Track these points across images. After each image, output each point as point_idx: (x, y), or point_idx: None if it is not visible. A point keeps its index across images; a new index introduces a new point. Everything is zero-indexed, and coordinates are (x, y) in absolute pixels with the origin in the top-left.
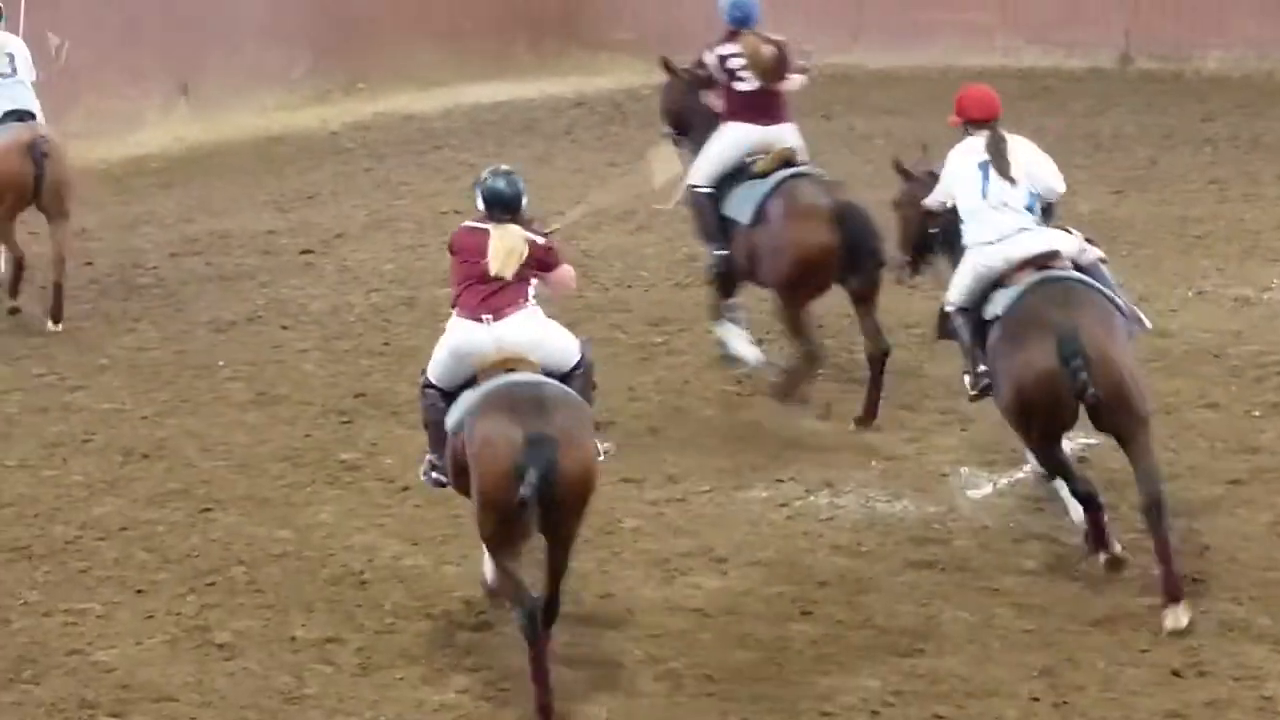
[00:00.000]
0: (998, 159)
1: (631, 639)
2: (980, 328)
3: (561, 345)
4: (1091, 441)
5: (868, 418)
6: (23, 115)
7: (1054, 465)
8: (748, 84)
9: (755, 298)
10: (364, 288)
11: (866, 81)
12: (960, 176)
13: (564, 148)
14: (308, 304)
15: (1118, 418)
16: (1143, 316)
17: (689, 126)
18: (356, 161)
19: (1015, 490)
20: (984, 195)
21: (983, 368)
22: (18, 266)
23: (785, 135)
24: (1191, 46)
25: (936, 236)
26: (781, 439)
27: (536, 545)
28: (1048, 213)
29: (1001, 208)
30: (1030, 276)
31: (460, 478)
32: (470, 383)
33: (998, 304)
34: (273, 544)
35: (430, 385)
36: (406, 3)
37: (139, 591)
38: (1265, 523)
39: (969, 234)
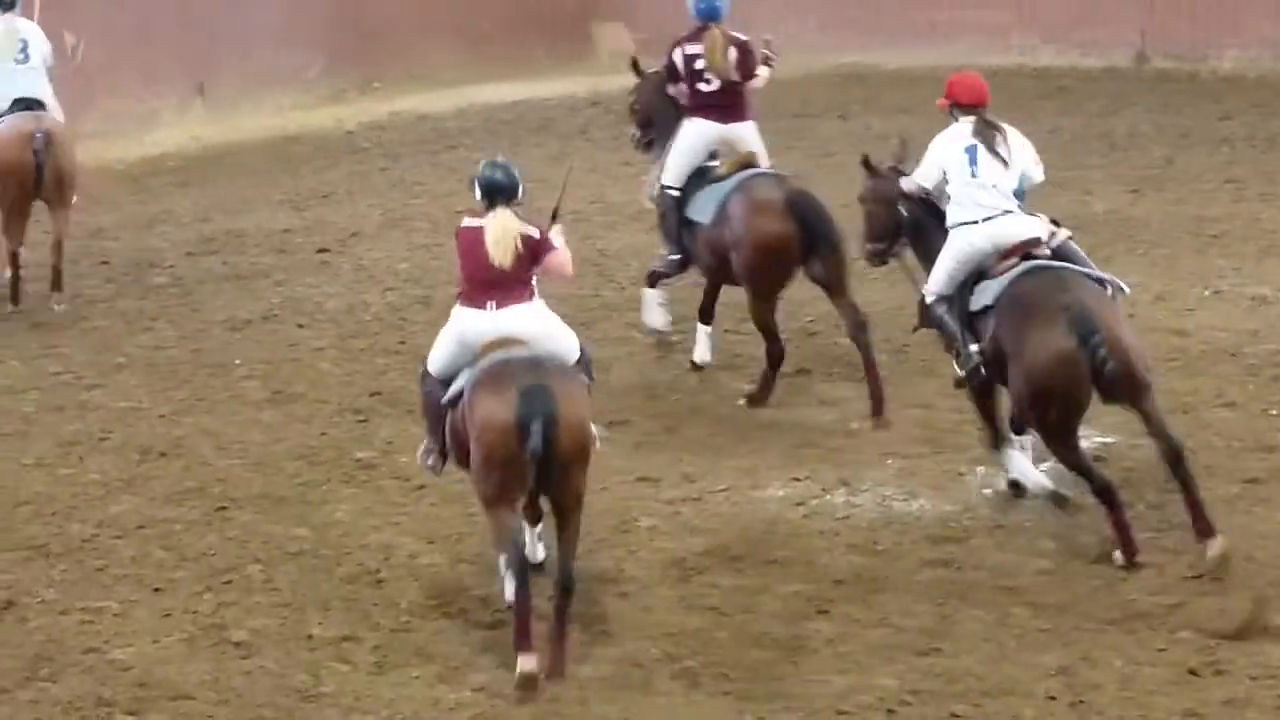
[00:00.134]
0: (989, 141)
1: (648, 638)
2: (967, 318)
3: (563, 339)
4: (1109, 440)
5: (877, 406)
6: (31, 104)
7: (1071, 460)
8: (711, 85)
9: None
10: (379, 286)
11: (883, 81)
12: (947, 160)
13: (579, 147)
14: (323, 303)
15: (1129, 387)
16: (1120, 282)
17: (656, 126)
18: (372, 161)
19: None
20: (973, 176)
21: (974, 347)
22: (14, 263)
23: (745, 133)
24: (1207, 46)
25: (904, 228)
26: (798, 438)
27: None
28: (1019, 197)
29: (989, 189)
30: (1015, 266)
31: (461, 449)
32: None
33: (987, 294)
34: (289, 542)
35: (429, 374)
36: (422, 3)
37: (156, 590)
38: None
39: (953, 215)
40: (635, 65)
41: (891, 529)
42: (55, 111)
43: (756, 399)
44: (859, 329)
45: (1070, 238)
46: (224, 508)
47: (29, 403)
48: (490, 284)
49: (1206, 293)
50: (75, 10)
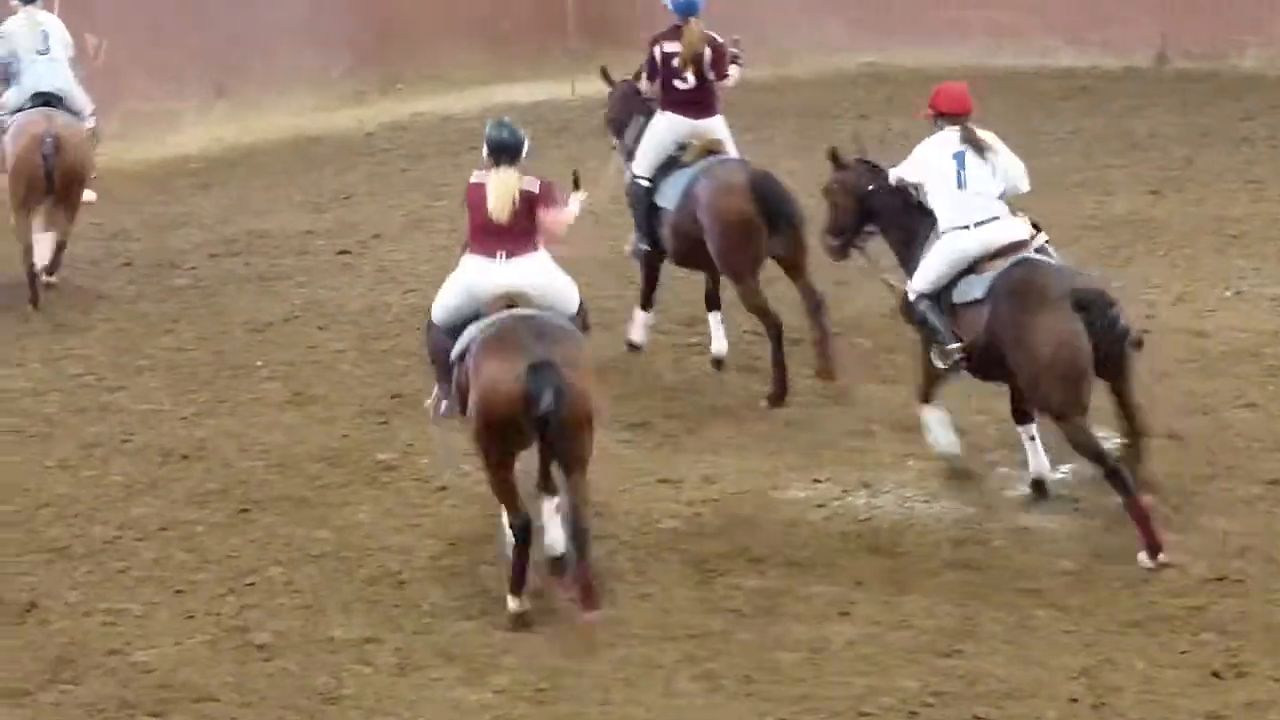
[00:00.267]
0: (977, 149)
1: (669, 639)
2: (950, 310)
3: (565, 290)
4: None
5: (824, 374)
6: (50, 99)
7: (1082, 440)
8: (687, 83)
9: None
10: (401, 288)
11: (903, 81)
12: (934, 167)
13: (598, 149)
14: (345, 304)
15: (1124, 362)
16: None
17: (629, 129)
18: (393, 162)
19: (1055, 489)
20: (961, 184)
21: (954, 345)
22: (28, 256)
23: (714, 127)
24: (1228, 46)
25: (873, 220)
26: (818, 439)
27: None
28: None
29: (977, 195)
30: (1003, 262)
31: (465, 401)
32: (475, 318)
33: (976, 288)
34: (311, 544)
35: (434, 324)
36: (444, 4)
37: (178, 592)
38: None
39: (944, 220)
40: (605, 73)
41: (913, 531)
42: (80, 102)
43: (776, 398)
44: (816, 308)
45: (1048, 242)
46: (246, 510)
47: (51, 405)
48: (499, 235)
49: (1227, 293)
50: (97, 12)
